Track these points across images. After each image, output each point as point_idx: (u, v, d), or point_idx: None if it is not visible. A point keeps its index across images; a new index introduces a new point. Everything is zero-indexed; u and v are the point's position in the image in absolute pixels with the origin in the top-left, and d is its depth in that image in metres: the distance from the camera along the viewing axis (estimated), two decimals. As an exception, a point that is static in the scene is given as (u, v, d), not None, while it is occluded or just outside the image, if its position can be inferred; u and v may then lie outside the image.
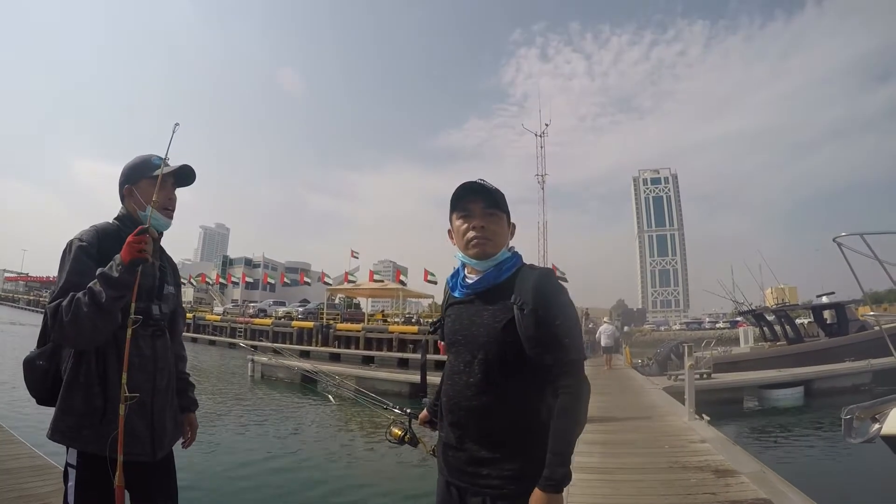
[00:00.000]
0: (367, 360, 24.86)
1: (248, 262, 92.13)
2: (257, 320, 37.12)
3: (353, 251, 39.34)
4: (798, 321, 20.51)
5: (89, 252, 1.72)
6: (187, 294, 56.74)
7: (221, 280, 66.72)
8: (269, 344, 24.64)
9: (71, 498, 1.66)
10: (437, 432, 1.76)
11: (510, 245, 1.66)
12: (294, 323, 33.72)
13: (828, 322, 18.70)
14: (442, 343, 1.71)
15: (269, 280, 65.40)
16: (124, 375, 1.61)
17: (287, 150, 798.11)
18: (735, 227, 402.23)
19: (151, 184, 1.84)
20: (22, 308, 63.20)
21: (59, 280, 1.68)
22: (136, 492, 1.78)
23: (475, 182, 1.60)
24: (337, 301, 45.41)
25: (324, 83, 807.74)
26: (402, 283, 37.11)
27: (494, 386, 1.50)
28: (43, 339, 1.79)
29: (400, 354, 24.65)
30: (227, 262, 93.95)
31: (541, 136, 40.25)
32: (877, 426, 4.46)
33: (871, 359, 13.44)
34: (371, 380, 14.69)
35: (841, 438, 4.85)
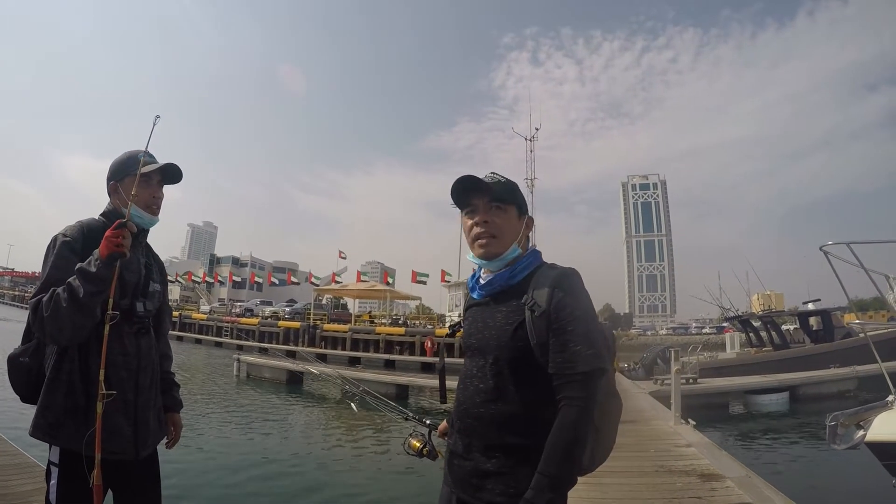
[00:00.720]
0: (354, 361, 24.79)
1: (236, 261, 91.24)
2: (244, 319, 37.00)
3: (340, 252, 39.41)
4: (784, 327, 20.71)
5: (73, 247, 1.71)
6: (174, 292, 56.22)
7: (208, 279, 66.45)
8: (271, 345, 24.48)
9: (53, 496, 1.64)
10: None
11: (531, 241, 1.56)
12: (281, 323, 33.63)
13: (814, 329, 18.94)
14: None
15: (257, 279, 65.22)
16: (101, 372, 1.60)
17: (278, 150, 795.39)
18: (722, 234, 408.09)
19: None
20: (7, 304, 62.37)
21: (42, 275, 1.68)
22: (120, 491, 1.76)
23: (472, 176, 1.48)
24: (324, 301, 45.34)
25: (315, 84, 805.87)
26: (389, 284, 37.10)
27: (505, 393, 1.38)
28: (28, 336, 1.77)
29: (387, 356, 24.52)
30: (215, 261, 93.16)
31: (531, 140, 40.19)
32: (861, 433, 4.51)
33: (856, 365, 13.59)
34: (357, 381, 14.49)
35: (826, 444, 4.89)
